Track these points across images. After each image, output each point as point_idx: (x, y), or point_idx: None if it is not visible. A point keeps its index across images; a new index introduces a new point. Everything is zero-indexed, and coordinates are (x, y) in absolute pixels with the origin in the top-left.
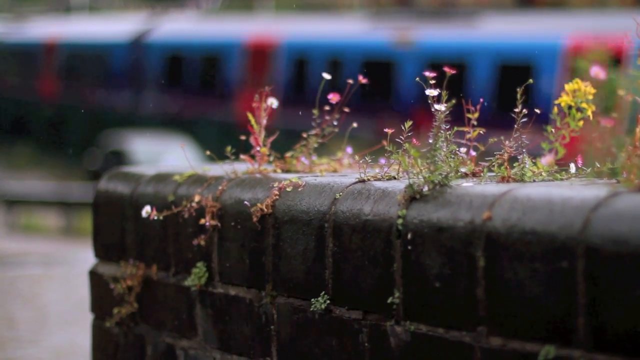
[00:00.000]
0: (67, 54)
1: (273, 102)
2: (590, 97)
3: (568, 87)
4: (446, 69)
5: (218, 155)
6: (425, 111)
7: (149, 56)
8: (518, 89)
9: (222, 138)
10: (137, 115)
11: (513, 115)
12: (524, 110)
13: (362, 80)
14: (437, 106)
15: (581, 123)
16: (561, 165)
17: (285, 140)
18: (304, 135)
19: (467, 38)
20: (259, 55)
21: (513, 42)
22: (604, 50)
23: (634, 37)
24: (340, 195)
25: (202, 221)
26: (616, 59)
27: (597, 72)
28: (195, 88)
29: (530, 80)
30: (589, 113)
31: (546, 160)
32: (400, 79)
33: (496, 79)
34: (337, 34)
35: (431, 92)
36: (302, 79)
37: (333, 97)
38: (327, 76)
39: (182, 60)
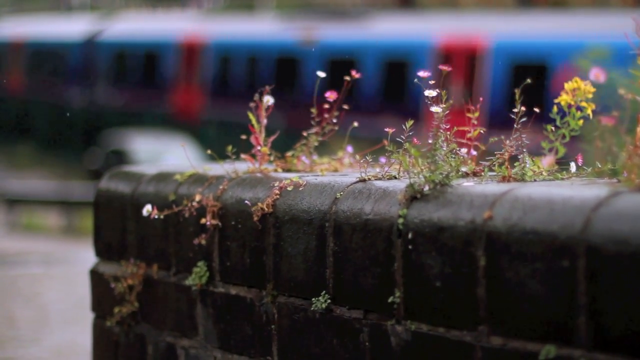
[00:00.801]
0: (31, 53)
1: (269, 100)
2: (590, 96)
3: (568, 86)
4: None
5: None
6: (326, 103)
7: (100, 54)
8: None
9: (164, 127)
10: (93, 108)
11: (395, 105)
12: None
13: (355, 75)
14: (435, 107)
15: (581, 122)
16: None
17: (215, 130)
18: (304, 134)
19: (357, 37)
20: (190, 53)
21: (394, 40)
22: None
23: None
24: (341, 194)
25: (203, 220)
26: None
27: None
28: (139, 83)
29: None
30: (589, 112)
31: (546, 160)
32: (305, 75)
33: (382, 74)
34: (255, 33)
35: (430, 93)
36: (226, 75)
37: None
38: (321, 74)
39: (127, 58)
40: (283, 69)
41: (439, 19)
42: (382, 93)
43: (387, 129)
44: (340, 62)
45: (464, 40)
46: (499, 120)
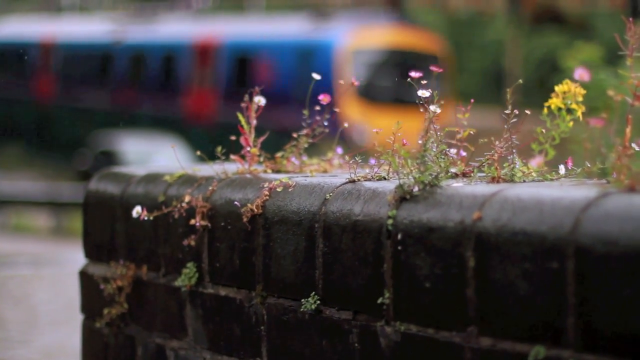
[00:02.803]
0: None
1: (261, 100)
2: (580, 98)
3: (558, 88)
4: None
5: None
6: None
7: None
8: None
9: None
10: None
11: (169, 89)
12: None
13: (354, 82)
14: (432, 107)
15: (571, 124)
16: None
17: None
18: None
19: (146, 37)
20: (45, 52)
21: (167, 39)
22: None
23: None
24: (330, 195)
25: (193, 221)
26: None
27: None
28: (82, 79)
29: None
30: (579, 114)
31: (536, 161)
32: (118, 67)
33: (162, 67)
34: (88, 34)
35: (423, 93)
36: (71, 72)
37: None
38: (316, 77)
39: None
40: (105, 64)
41: (197, 22)
42: (161, 81)
43: (375, 130)
44: (137, 58)
45: (206, 39)
46: (229, 98)
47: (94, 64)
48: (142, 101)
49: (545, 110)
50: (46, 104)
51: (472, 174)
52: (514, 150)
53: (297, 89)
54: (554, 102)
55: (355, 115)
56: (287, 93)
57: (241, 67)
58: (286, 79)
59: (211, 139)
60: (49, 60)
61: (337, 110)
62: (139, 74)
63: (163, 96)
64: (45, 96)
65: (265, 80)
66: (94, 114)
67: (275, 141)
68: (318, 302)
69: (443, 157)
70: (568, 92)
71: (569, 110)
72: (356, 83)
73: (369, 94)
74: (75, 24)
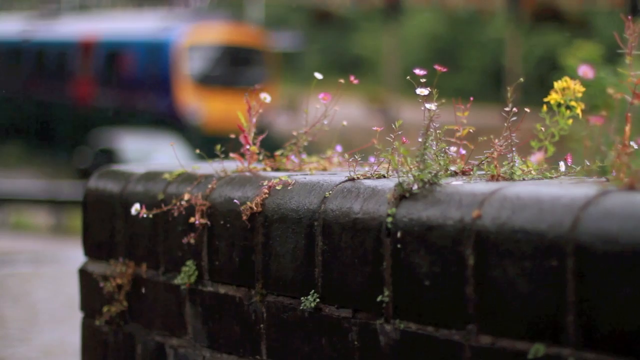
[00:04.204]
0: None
1: (265, 98)
2: (580, 95)
3: (557, 85)
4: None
5: None
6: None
7: None
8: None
9: None
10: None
11: (62, 81)
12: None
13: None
14: (427, 105)
15: (570, 121)
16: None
17: None
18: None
19: (48, 36)
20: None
21: (61, 37)
22: None
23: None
24: (329, 193)
25: (192, 219)
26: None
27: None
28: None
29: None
30: (578, 111)
31: (535, 158)
32: (26, 62)
33: (59, 62)
34: (7, 31)
35: (422, 92)
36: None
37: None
38: (319, 76)
39: None
40: (15, 59)
41: (84, 21)
42: (57, 73)
43: (375, 128)
44: (40, 53)
45: (88, 37)
46: (104, 86)
47: (7, 58)
48: (45, 90)
49: (544, 107)
50: None
51: (471, 172)
52: (513, 149)
53: (148, 78)
54: (553, 97)
55: (191, 98)
56: (142, 82)
57: (111, 60)
58: (141, 70)
59: (92, 117)
60: None
61: (175, 95)
62: (42, 67)
63: (59, 86)
64: None
65: (127, 72)
66: (9, 100)
67: (131, 118)
68: (317, 300)
69: (442, 155)
70: (567, 89)
71: (568, 107)
72: (189, 73)
73: (203, 81)
74: None
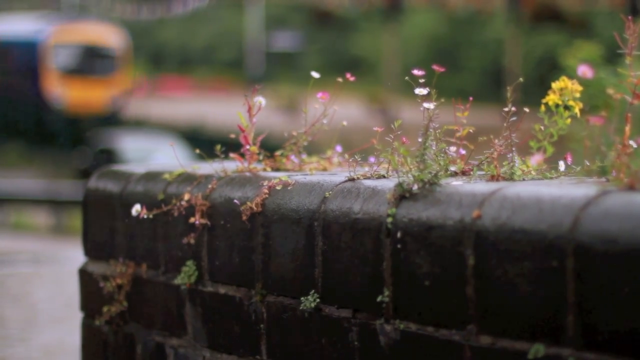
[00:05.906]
0: None
1: (261, 101)
2: (578, 95)
3: (555, 85)
4: None
5: None
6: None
7: None
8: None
9: None
10: None
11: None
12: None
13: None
14: (426, 104)
15: (569, 121)
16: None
17: None
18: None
19: None
20: None
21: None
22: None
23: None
24: (329, 193)
25: (192, 220)
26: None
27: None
28: None
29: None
30: (577, 111)
31: (535, 158)
32: None
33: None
34: None
35: (420, 91)
36: None
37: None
38: (316, 75)
39: None
40: None
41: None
42: (11, 71)
43: (375, 128)
44: None
45: None
46: None
47: None
48: None
49: (543, 108)
50: None
51: (471, 172)
52: (513, 149)
53: (23, 70)
54: (551, 98)
55: (55, 86)
56: (18, 73)
57: (3, 57)
58: (20, 65)
59: None
60: None
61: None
62: None
63: None
64: None
65: (10, 67)
66: None
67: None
68: (317, 300)
69: (442, 155)
70: (565, 88)
71: (567, 107)
72: (54, 66)
73: (65, 72)
74: None
